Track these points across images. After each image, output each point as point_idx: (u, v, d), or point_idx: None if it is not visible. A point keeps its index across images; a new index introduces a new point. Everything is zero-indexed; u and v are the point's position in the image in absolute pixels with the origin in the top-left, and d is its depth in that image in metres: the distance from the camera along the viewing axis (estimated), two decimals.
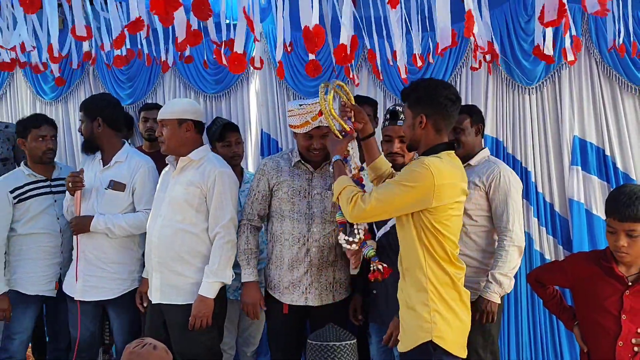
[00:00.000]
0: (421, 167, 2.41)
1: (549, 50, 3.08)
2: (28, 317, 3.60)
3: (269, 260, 3.22)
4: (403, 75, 3.50)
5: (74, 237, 3.40)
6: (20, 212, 3.55)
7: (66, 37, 3.91)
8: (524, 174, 3.93)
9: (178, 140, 3.16)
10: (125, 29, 2.67)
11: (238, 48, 2.70)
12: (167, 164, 3.32)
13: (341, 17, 2.73)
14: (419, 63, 3.47)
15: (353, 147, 2.83)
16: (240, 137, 3.86)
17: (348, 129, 2.80)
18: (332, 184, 2.75)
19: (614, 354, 2.46)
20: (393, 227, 2.70)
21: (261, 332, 4.01)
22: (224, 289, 3.20)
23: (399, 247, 2.61)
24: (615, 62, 3.75)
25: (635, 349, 2.44)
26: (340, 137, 2.79)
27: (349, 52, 2.64)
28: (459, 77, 4.12)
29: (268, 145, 4.58)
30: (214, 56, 4.28)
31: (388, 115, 3.14)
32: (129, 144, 3.65)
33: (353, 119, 2.81)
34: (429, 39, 3.69)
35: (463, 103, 2.83)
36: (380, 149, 3.02)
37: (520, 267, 3.25)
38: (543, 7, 2.28)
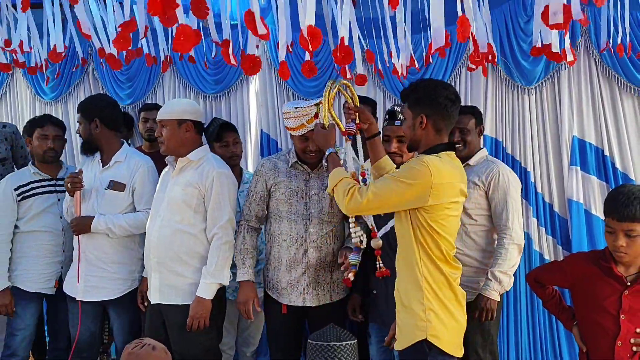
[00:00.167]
0: (420, 165, 2.41)
1: (556, 47, 3.09)
2: (29, 314, 3.61)
3: (267, 261, 3.22)
4: (401, 74, 3.50)
5: (75, 237, 3.41)
6: (23, 209, 3.58)
7: (65, 37, 3.91)
8: (523, 174, 3.93)
9: (178, 140, 3.16)
10: (119, 28, 2.67)
11: (251, 50, 2.71)
12: (167, 165, 3.32)
13: (341, 17, 2.73)
14: (416, 64, 3.47)
15: (346, 152, 2.84)
16: (238, 137, 3.85)
17: (343, 129, 2.82)
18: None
19: (613, 354, 2.46)
20: (393, 227, 2.71)
21: (261, 332, 4.01)
22: (223, 290, 3.21)
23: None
24: (614, 62, 3.76)
25: (634, 348, 2.44)
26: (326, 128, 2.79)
27: (339, 54, 2.63)
28: (458, 77, 4.13)
29: (268, 146, 4.59)
30: (214, 57, 4.30)
31: (387, 116, 3.15)
32: (129, 144, 3.65)
33: (357, 120, 2.82)
34: (428, 39, 3.70)
35: (463, 103, 2.84)
36: None
37: (519, 267, 3.26)
38: (546, 7, 2.28)
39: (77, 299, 3.39)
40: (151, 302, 3.21)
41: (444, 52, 3.21)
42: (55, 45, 3.40)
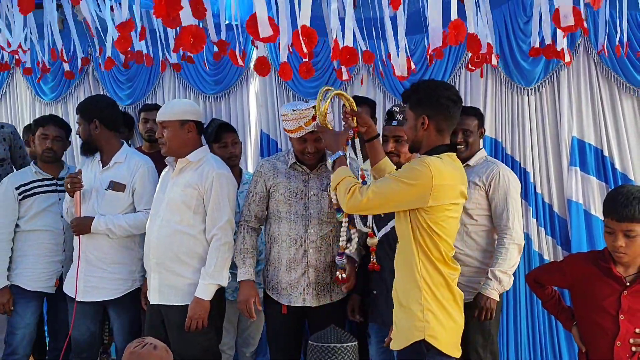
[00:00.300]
0: (421, 166, 2.42)
1: (562, 45, 3.09)
2: (30, 313, 3.61)
3: (267, 262, 3.22)
4: (398, 74, 3.50)
5: (76, 237, 3.41)
6: (24, 208, 3.59)
7: (64, 37, 3.92)
8: (522, 175, 3.94)
9: (180, 141, 3.15)
10: (116, 29, 2.68)
11: (262, 51, 2.72)
12: (167, 165, 3.32)
13: (344, 18, 2.75)
14: (412, 65, 3.48)
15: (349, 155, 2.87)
16: (236, 138, 3.84)
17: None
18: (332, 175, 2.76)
19: (612, 354, 2.46)
20: (393, 227, 2.71)
21: (260, 332, 4.02)
22: (222, 290, 3.20)
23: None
24: (613, 63, 3.76)
25: (633, 349, 2.44)
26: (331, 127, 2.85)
27: (343, 56, 2.64)
28: (458, 77, 4.13)
29: (267, 146, 4.59)
30: (219, 59, 4.30)
31: (386, 116, 3.16)
32: (129, 144, 3.65)
33: (355, 124, 2.84)
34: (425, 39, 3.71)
35: (462, 104, 2.84)
36: None
37: (519, 268, 3.26)
38: (557, 9, 2.29)
39: (77, 299, 3.38)
40: (150, 303, 3.22)
41: (441, 53, 3.22)
42: (62, 49, 3.42)
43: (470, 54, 3.73)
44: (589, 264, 2.56)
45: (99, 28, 3.63)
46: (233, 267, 3.20)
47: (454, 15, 2.56)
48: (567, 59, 3.33)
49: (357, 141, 2.90)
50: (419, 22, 3.45)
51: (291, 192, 3.12)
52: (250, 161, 4.64)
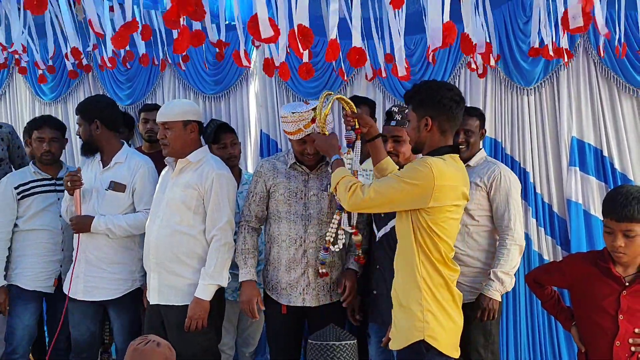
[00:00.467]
0: (423, 166, 2.42)
1: (564, 43, 3.09)
2: (29, 313, 3.61)
3: (267, 262, 3.22)
4: (399, 74, 3.50)
5: (75, 237, 3.41)
6: (23, 208, 3.60)
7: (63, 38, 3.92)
8: (522, 175, 3.94)
9: (183, 142, 3.15)
10: (121, 29, 2.68)
11: (266, 52, 2.72)
12: (167, 165, 3.32)
13: (351, 20, 2.75)
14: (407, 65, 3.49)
15: (352, 159, 2.89)
16: (236, 138, 3.84)
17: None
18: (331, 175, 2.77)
19: (612, 354, 2.46)
20: (394, 227, 2.72)
21: (260, 332, 4.02)
22: (222, 290, 3.20)
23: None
24: (613, 63, 3.76)
25: (633, 348, 2.44)
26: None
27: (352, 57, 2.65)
28: (457, 78, 4.13)
29: (267, 146, 4.59)
30: (220, 59, 4.30)
31: (385, 116, 3.17)
32: (129, 145, 3.65)
33: (357, 126, 2.86)
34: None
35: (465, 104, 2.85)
36: None
37: (518, 268, 3.26)
38: (566, 11, 2.29)
39: (77, 298, 3.39)
40: (150, 303, 3.22)
41: (434, 59, 3.22)
42: (74, 46, 3.42)
43: (467, 61, 3.75)
44: (588, 264, 2.56)
45: (103, 27, 3.63)
46: (233, 267, 3.20)
47: (446, 16, 2.56)
48: (566, 58, 3.33)
49: (358, 143, 2.92)
50: (419, 22, 3.45)
51: (291, 192, 3.12)
52: (250, 161, 4.64)
